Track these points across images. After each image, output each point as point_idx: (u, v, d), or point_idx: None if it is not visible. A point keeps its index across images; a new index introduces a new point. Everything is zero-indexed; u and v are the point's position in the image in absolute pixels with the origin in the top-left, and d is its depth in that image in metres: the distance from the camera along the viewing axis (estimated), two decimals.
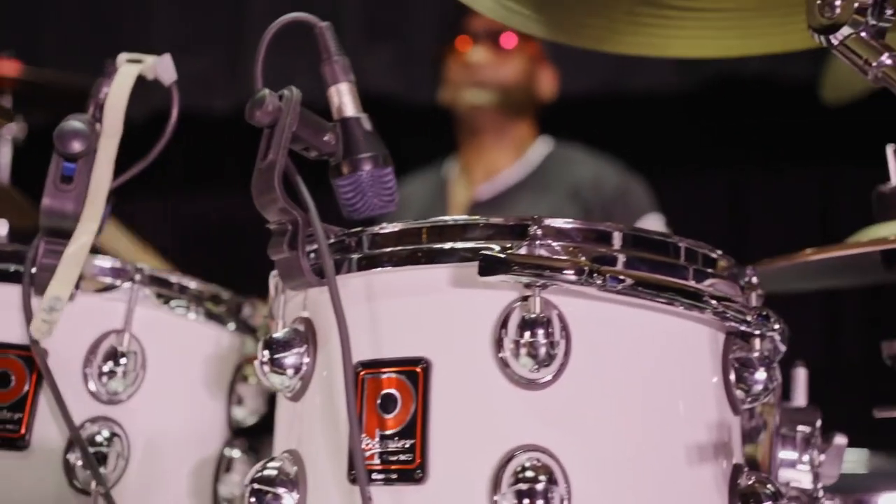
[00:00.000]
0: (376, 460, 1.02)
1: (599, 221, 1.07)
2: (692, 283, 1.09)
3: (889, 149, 1.37)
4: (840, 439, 1.24)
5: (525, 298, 1.01)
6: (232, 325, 1.39)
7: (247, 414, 1.41)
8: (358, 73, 3.63)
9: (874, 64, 0.92)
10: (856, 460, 1.82)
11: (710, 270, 1.12)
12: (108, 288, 1.28)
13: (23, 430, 1.22)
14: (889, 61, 0.91)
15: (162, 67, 1.25)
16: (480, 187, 2.73)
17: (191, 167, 3.83)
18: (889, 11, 0.93)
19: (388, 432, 1.02)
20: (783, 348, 1.17)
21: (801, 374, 1.29)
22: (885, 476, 1.82)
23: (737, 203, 3.57)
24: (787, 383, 1.28)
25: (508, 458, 0.99)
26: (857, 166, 3.52)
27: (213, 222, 3.85)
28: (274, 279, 1.17)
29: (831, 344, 3.30)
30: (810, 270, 1.31)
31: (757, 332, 1.12)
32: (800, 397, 1.29)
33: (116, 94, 1.22)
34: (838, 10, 0.95)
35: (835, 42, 0.94)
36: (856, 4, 0.94)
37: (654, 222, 2.60)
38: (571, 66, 3.13)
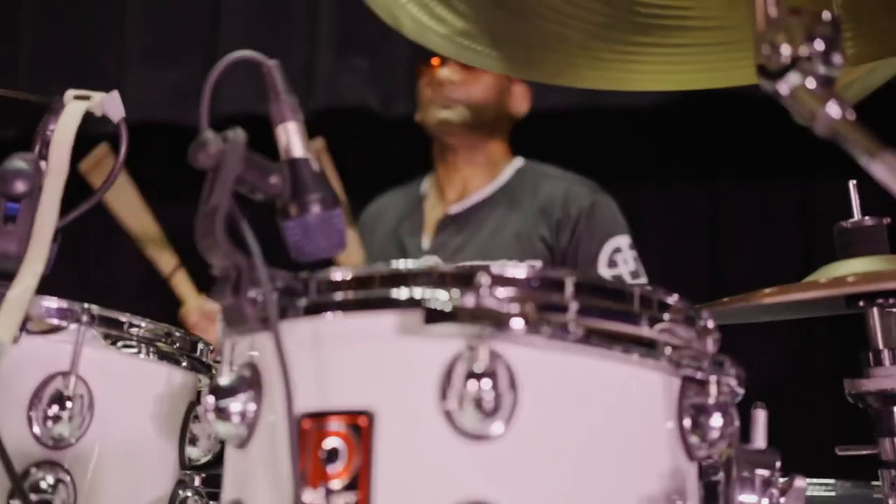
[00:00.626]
0: None
1: (552, 267, 1.06)
2: (646, 330, 1.07)
3: (851, 185, 1.35)
4: (800, 482, 1.22)
5: (471, 348, 0.99)
6: (185, 363, 1.37)
7: (200, 453, 1.38)
8: (334, 88, 3.63)
9: (820, 114, 0.90)
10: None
11: (664, 316, 1.10)
12: (54, 329, 1.26)
13: None
14: (836, 113, 0.89)
15: (110, 104, 1.23)
16: (453, 206, 2.72)
17: (168, 178, 3.81)
18: (837, 59, 0.91)
19: (333, 485, 1.00)
20: (740, 392, 1.15)
21: (760, 416, 1.27)
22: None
23: (715, 217, 3.56)
24: (746, 424, 1.26)
25: None
26: (836, 178, 3.55)
27: (191, 233, 3.83)
28: (220, 323, 1.14)
29: (798, 374, 3.30)
30: (773, 307, 1.29)
31: (712, 378, 1.10)
32: (759, 439, 1.27)
33: (62, 131, 1.20)
34: (784, 56, 0.93)
35: (784, 90, 0.92)
36: (803, 50, 0.92)
37: (620, 243, 2.58)
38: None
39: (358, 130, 3.70)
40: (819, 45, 0.91)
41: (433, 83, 2.67)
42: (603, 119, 3.44)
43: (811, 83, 0.91)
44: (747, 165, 3.51)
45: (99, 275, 3.84)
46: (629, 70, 1.34)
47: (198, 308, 2.59)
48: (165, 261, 2.65)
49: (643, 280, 2.57)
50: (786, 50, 0.92)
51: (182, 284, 2.64)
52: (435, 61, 2.68)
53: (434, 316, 0.98)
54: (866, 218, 1.32)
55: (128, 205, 2.60)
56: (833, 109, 0.90)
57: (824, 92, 0.91)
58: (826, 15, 0.92)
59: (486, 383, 0.97)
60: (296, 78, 3.47)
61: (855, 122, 0.90)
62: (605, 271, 2.51)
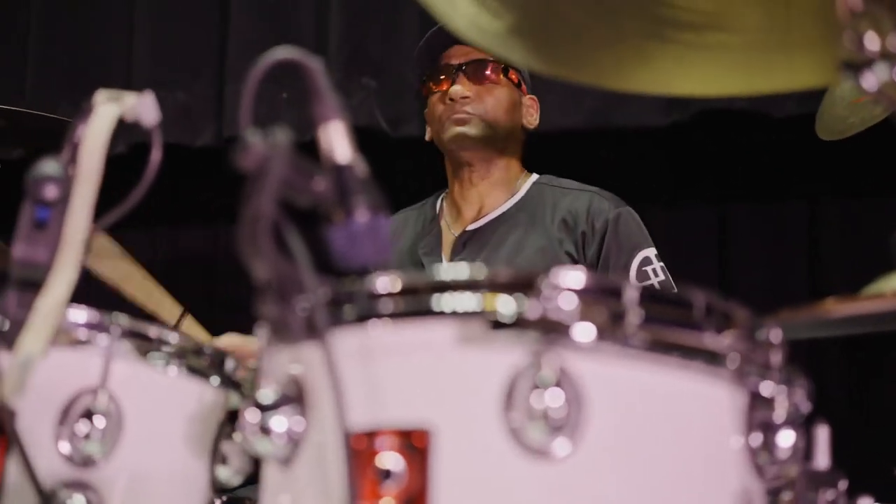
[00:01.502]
0: None
1: (610, 276, 1.00)
2: (712, 341, 1.02)
3: None
4: (866, 502, 1.17)
5: (537, 359, 0.93)
6: (215, 380, 1.31)
7: (231, 474, 1.32)
8: (343, 107, 3.55)
9: None
10: None
11: (728, 327, 1.04)
12: (82, 342, 1.20)
13: None
14: None
15: (143, 107, 1.17)
16: (471, 223, 2.66)
17: (175, 200, 3.76)
18: None
19: None
20: (807, 408, 1.09)
21: (822, 433, 1.22)
22: None
23: (724, 237, 3.53)
24: (808, 441, 1.21)
25: None
26: (845, 199, 3.52)
27: (197, 256, 3.79)
28: (262, 334, 1.09)
29: (851, 394, 3.24)
30: (834, 321, 1.24)
31: (781, 393, 1.04)
32: (822, 458, 1.22)
33: (94, 136, 1.14)
34: (871, 48, 0.88)
35: (870, 84, 0.87)
36: (892, 41, 0.87)
37: (648, 254, 2.53)
38: (558, 100, 3.08)
39: (367, 150, 3.65)
40: None
41: (444, 100, 2.62)
42: (612, 138, 3.41)
43: None
44: (756, 185, 3.48)
45: (98, 285, 3.78)
46: (676, 73, 1.30)
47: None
48: (169, 311, 2.57)
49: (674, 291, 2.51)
50: (872, 42, 0.87)
51: (192, 329, 2.56)
52: (443, 79, 2.64)
53: (498, 325, 0.92)
54: None
55: (117, 270, 2.53)
56: None
57: None
58: None
59: (555, 396, 0.92)
60: (304, 98, 3.43)
61: None
62: (635, 284, 2.46)
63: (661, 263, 2.53)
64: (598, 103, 3.30)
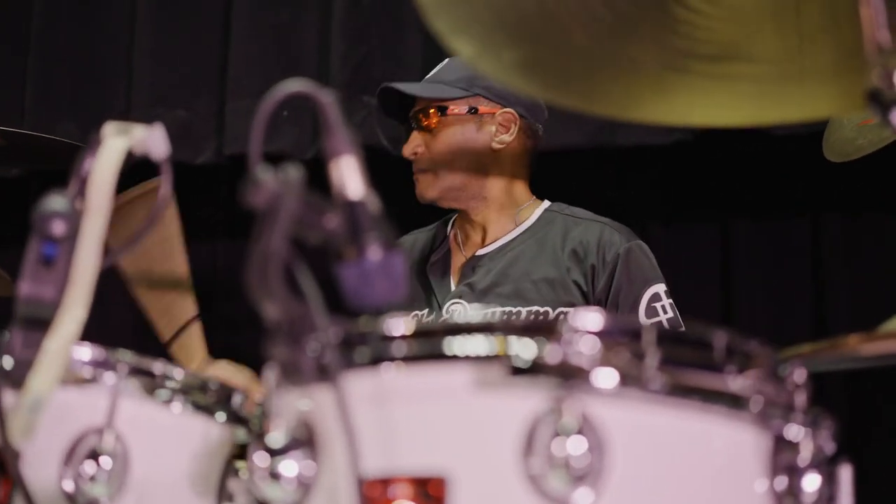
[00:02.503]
0: None
1: (619, 311, 0.98)
2: (734, 383, 0.99)
3: None
4: None
5: (557, 405, 0.91)
6: (221, 416, 1.28)
7: None
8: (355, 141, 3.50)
9: None
10: None
11: (750, 367, 1.02)
12: (87, 381, 1.17)
13: None
14: None
15: (152, 140, 1.14)
16: (479, 248, 2.64)
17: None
18: None
19: None
20: (832, 449, 1.07)
21: (845, 474, 1.19)
22: None
23: (726, 257, 3.52)
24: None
25: None
26: (848, 215, 3.50)
27: (197, 272, 3.76)
28: (271, 375, 1.06)
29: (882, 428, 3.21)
30: (849, 358, 1.21)
31: (806, 435, 1.02)
32: (845, 499, 1.19)
33: (102, 171, 1.11)
34: None
35: None
36: None
37: (658, 290, 2.51)
38: (561, 119, 3.06)
39: (368, 168, 3.63)
40: None
41: (409, 158, 2.61)
42: (615, 157, 3.39)
43: None
44: (759, 202, 3.47)
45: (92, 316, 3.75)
46: (694, 103, 1.27)
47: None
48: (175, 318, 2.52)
49: (682, 329, 2.49)
50: None
51: (194, 340, 2.52)
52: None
53: (517, 370, 0.90)
54: None
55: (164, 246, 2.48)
56: None
57: None
58: None
59: (577, 444, 0.89)
60: (306, 117, 3.41)
61: None
62: (644, 320, 2.43)
63: (671, 300, 2.50)
64: (600, 122, 3.28)
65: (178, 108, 3.55)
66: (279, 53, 3.53)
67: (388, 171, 3.50)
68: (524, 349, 0.92)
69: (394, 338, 0.99)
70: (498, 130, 2.61)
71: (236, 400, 1.30)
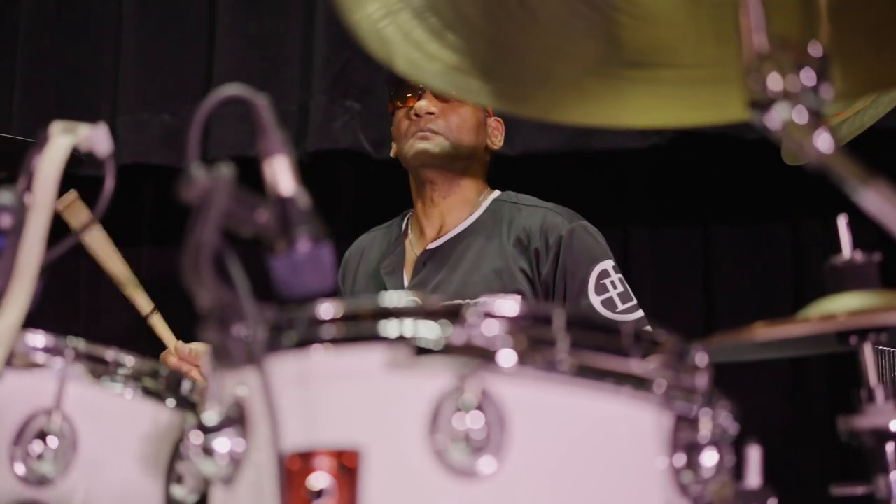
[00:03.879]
0: None
1: (540, 302, 1.04)
2: (637, 366, 1.06)
3: (841, 220, 1.35)
4: None
5: (461, 384, 0.98)
6: (171, 402, 1.35)
7: (186, 493, 1.35)
8: (327, 131, 3.62)
9: (809, 146, 0.89)
10: None
11: (654, 352, 1.09)
12: (38, 365, 1.24)
13: None
14: (826, 145, 0.89)
15: (97, 138, 1.21)
16: (431, 242, 2.70)
17: (161, 220, 3.80)
18: (826, 91, 0.91)
19: None
20: (733, 429, 1.14)
21: (754, 454, 1.26)
22: None
23: (706, 259, 3.55)
24: (741, 462, 1.25)
25: None
26: (826, 219, 3.54)
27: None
28: (207, 358, 1.13)
29: (793, 413, 3.27)
30: (764, 344, 1.28)
31: (705, 414, 1.09)
32: (753, 477, 1.25)
33: (48, 165, 1.19)
34: (773, 89, 0.93)
35: (773, 123, 0.92)
36: (792, 82, 0.91)
37: (605, 267, 2.55)
38: (538, 123, 3.12)
39: (351, 172, 3.70)
40: (808, 77, 0.91)
41: (410, 115, 2.66)
42: (593, 161, 3.45)
43: (800, 116, 0.91)
44: (738, 207, 3.51)
45: (86, 314, 3.82)
46: (620, 106, 1.34)
47: (177, 350, 2.55)
48: (142, 303, 2.62)
49: (633, 302, 2.53)
50: (775, 83, 0.91)
51: (159, 327, 2.61)
52: (410, 96, 2.68)
53: (424, 351, 0.97)
54: (856, 253, 1.31)
55: (101, 247, 2.57)
56: (823, 141, 0.89)
57: (814, 124, 0.90)
58: (815, 47, 0.91)
59: (476, 419, 0.96)
60: (290, 121, 3.48)
61: (844, 153, 0.89)
62: (594, 298, 2.47)
63: (620, 275, 2.54)
64: (577, 127, 3.34)
65: (164, 113, 3.61)
66: (263, 60, 3.59)
67: (370, 175, 3.58)
68: (431, 331, 0.99)
69: (317, 322, 1.05)
70: (493, 132, 2.72)
71: (185, 386, 1.37)
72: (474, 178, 2.73)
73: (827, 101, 0.91)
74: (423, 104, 2.64)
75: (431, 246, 2.68)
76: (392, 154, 2.79)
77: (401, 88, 2.70)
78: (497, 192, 2.76)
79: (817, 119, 0.90)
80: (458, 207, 2.70)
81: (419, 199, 2.75)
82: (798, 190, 3.32)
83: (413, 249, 2.73)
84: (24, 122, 3.67)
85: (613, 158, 3.42)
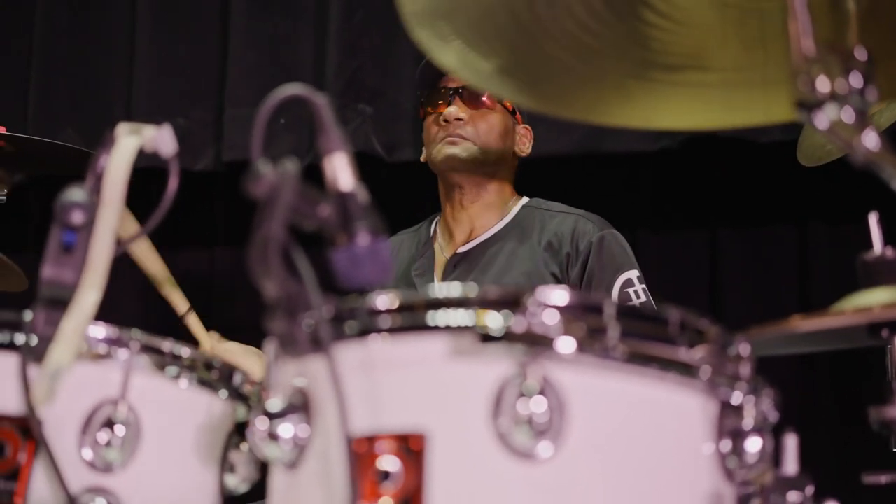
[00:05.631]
0: None
1: (591, 293, 1.09)
2: (684, 353, 1.11)
3: (872, 217, 1.40)
4: None
5: (522, 370, 1.03)
6: (224, 393, 1.40)
7: (238, 482, 1.40)
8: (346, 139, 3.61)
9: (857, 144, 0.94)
10: None
11: (699, 342, 1.14)
12: (103, 356, 1.29)
13: (18, 501, 1.22)
14: (873, 143, 0.94)
15: (161, 139, 1.26)
16: (461, 246, 2.75)
17: (174, 223, 3.83)
18: (872, 93, 0.96)
19: None
20: (775, 416, 1.19)
21: (791, 441, 1.31)
22: None
23: (714, 262, 3.59)
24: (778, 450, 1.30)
25: None
26: (833, 225, 3.59)
27: (195, 278, 3.85)
28: (270, 347, 1.18)
29: (812, 406, 3.31)
30: (794, 338, 1.33)
31: (749, 401, 1.14)
32: (790, 464, 1.30)
33: (116, 166, 1.23)
34: (821, 91, 0.98)
35: (821, 123, 0.97)
36: (840, 85, 0.96)
37: (630, 276, 2.61)
38: (550, 126, 3.17)
39: (363, 175, 3.73)
40: (856, 80, 0.96)
41: (440, 121, 2.71)
42: (603, 163, 3.49)
43: (848, 116, 0.96)
44: (745, 210, 3.55)
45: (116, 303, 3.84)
46: (656, 108, 1.39)
47: (211, 349, 2.61)
48: (178, 303, 2.67)
49: None
50: (823, 85, 0.96)
51: (195, 327, 2.66)
52: (440, 101, 2.73)
53: (488, 338, 1.02)
54: (888, 250, 1.36)
55: (140, 247, 2.62)
56: (870, 140, 0.95)
57: (860, 124, 0.95)
58: (861, 51, 0.97)
59: (539, 404, 1.01)
60: (302, 124, 3.51)
61: (891, 150, 0.94)
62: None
63: (644, 286, 2.60)
64: (588, 129, 3.38)
65: (177, 115, 3.63)
66: (275, 64, 3.63)
67: (382, 177, 3.62)
68: (494, 320, 1.04)
69: (379, 312, 1.10)
70: (521, 140, 2.78)
71: (237, 379, 1.42)
72: (502, 184, 2.78)
73: (872, 102, 0.96)
74: (452, 110, 2.69)
75: (462, 249, 2.73)
76: (422, 159, 2.84)
77: (432, 94, 2.75)
78: (526, 199, 2.81)
79: (863, 119, 0.95)
80: (486, 212, 2.75)
81: (448, 203, 2.80)
82: (805, 193, 3.36)
83: (443, 253, 2.78)
84: (38, 125, 3.69)
85: (623, 161, 3.46)
